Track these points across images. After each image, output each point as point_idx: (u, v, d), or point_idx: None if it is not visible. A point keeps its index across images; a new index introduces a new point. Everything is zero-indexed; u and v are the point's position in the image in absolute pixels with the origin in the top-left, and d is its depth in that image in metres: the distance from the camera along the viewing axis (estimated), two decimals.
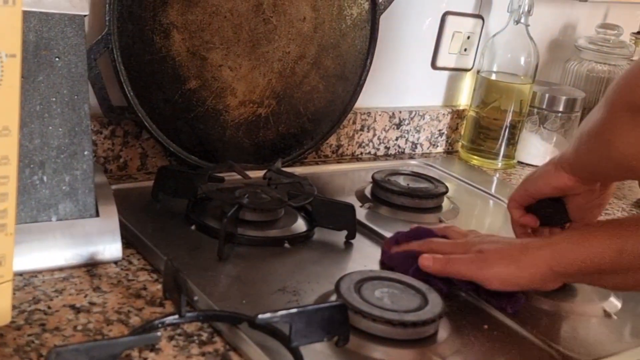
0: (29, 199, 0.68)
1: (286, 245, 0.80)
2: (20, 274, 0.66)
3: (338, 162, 1.14)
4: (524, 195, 0.79)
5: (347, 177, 1.09)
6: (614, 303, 0.79)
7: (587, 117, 0.71)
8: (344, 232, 0.84)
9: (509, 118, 1.22)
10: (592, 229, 0.70)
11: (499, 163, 1.24)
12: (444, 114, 1.27)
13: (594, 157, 0.70)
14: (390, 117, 1.20)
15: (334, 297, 0.67)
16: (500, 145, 1.23)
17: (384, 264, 0.80)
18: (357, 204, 0.95)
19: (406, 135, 1.23)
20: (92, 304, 0.63)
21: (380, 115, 1.18)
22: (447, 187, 1.02)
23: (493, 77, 1.22)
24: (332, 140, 1.14)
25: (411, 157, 1.23)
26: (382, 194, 0.98)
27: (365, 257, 0.82)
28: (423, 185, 1.02)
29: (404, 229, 0.91)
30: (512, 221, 0.81)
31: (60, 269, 0.68)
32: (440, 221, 0.96)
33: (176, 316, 0.60)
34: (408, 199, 0.97)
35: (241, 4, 0.92)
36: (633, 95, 0.62)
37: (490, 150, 1.24)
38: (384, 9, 1.06)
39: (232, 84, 0.95)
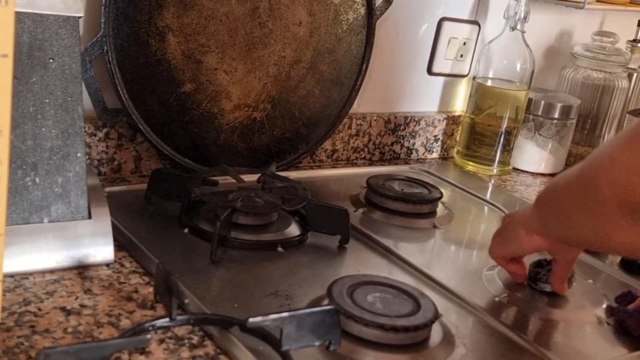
0: (21, 200, 0.67)
1: (279, 249, 0.80)
2: (11, 276, 0.65)
3: (333, 167, 1.14)
4: (502, 253, 0.79)
5: (341, 181, 1.09)
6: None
7: (558, 186, 0.67)
8: (338, 237, 0.84)
9: (504, 124, 1.22)
10: None
11: (494, 169, 1.24)
12: (439, 120, 1.27)
13: (581, 238, 0.67)
14: (385, 123, 1.20)
15: (326, 302, 0.67)
16: (496, 151, 1.23)
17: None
18: (351, 208, 0.95)
19: (401, 141, 1.23)
20: (82, 306, 0.63)
21: (375, 120, 1.18)
22: (441, 193, 1.02)
23: (489, 83, 1.22)
24: (327, 144, 1.13)
25: (406, 162, 1.23)
26: (376, 198, 0.98)
27: (359, 262, 0.82)
28: (418, 190, 1.02)
29: (398, 233, 0.92)
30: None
31: (52, 271, 0.68)
32: (435, 227, 0.96)
33: (167, 319, 0.59)
34: (402, 204, 0.97)
35: (237, 8, 0.92)
36: (629, 196, 0.56)
37: (486, 157, 1.24)
38: (380, 15, 1.06)
39: (227, 87, 0.95)
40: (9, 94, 0.52)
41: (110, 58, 0.86)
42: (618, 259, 0.93)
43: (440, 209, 1.01)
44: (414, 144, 1.25)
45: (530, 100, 1.25)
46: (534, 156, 1.28)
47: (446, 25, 1.22)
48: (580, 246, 0.76)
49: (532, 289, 0.80)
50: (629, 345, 0.74)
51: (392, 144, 1.22)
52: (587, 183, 0.61)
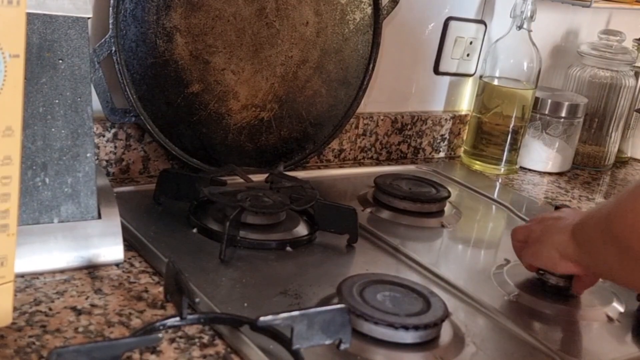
0: (31, 200, 0.68)
1: (288, 248, 0.80)
2: (21, 276, 0.66)
3: (340, 167, 1.14)
4: (532, 264, 0.79)
5: (349, 181, 1.09)
6: (617, 308, 0.79)
7: (592, 227, 0.67)
8: (346, 236, 0.84)
9: (511, 123, 1.22)
10: None
11: (502, 168, 1.24)
12: (446, 119, 1.27)
13: (621, 282, 0.70)
14: (392, 122, 1.20)
15: (336, 300, 0.67)
16: (503, 150, 1.23)
17: None
18: (359, 208, 0.95)
19: (408, 140, 1.23)
20: (93, 306, 0.63)
21: (382, 119, 1.18)
22: (449, 192, 1.02)
23: (495, 82, 1.22)
24: (335, 144, 1.14)
25: (413, 162, 1.23)
26: (384, 198, 0.98)
27: (368, 260, 0.82)
28: (425, 189, 1.02)
29: (406, 232, 0.92)
30: None
31: (62, 271, 0.68)
32: (443, 226, 0.96)
33: (177, 318, 0.59)
34: (410, 203, 0.97)
35: (244, 8, 0.93)
36: None
37: (493, 156, 1.24)
38: (387, 14, 1.06)
39: (235, 87, 0.95)
40: (21, 94, 0.52)
41: (118, 59, 0.86)
42: None
43: (448, 208, 1.01)
44: (420, 144, 1.25)
45: (537, 99, 1.25)
46: (541, 155, 1.28)
47: (452, 24, 1.22)
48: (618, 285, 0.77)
49: (541, 286, 0.79)
50: (638, 343, 0.74)
51: (399, 144, 1.22)
52: (618, 237, 0.61)
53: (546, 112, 1.26)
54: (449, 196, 1.01)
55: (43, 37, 0.67)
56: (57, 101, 0.69)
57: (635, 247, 0.58)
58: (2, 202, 0.54)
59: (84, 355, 0.50)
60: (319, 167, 1.12)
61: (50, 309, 0.62)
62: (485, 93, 1.23)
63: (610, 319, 0.77)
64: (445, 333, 0.67)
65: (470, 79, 1.30)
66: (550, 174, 1.29)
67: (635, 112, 1.40)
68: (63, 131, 0.69)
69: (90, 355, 0.51)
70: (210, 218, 0.83)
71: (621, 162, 1.45)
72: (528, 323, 0.73)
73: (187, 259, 0.74)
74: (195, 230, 0.81)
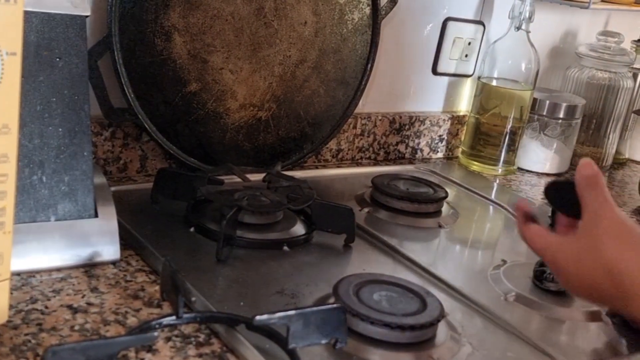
0: (28, 198, 0.68)
1: (285, 248, 0.80)
2: (18, 274, 0.66)
3: (338, 167, 1.14)
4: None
5: (346, 181, 1.09)
6: None
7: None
8: (343, 236, 0.84)
9: (509, 124, 1.22)
10: None
11: (499, 169, 1.24)
12: (444, 120, 1.27)
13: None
14: (390, 122, 1.20)
15: (332, 300, 0.67)
16: (501, 151, 1.23)
17: None
18: (356, 208, 0.95)
19: (406, 141, 1.23)
20: (89, 304, 0.63)
21: (380, 120, 1.18)
22: (446, 192, 1.02)
23: (494, 83, 1.22)
24: (332, 144, 1.14)
25: (411, 162, 1.23)
26: (381, 198, 0.98)
27: (364, 260, 0.82)
28: (423, 189, 1.02)
29: (404, 233, 0.92)
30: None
31: (58, 269, 0.68)
32: (440, 226, 0.96)
33: (173, 317, 0.59)
34: (408, 204, 0.97)
35: (242, 8, 0.93)
36: None
37: (491, 157, 1.24)
38: (385, 14, 1.06)
39: (233, 87, 0.95)
40: (18, 92, 0.53)
41: (116, 57, 0.86)
42: None
43: (445, 208, 1.01)
44: (418, 144, 1.25)
45: (535, 100, 1.25)
46: (539, 156, 1.28)
47: (451, 25, 1.22)
48: None
49: (538, 287, 0.80)
50: (633, 344, 0.74)
51: (396, 144, 1.22)
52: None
53: (544, 113, 1.26)
54: (446, 197, 1.01)
55: (41, 35, 0.67)
56: (54, 99, 0.69)
57: None
58: None
59: (79, 354, 0.51)
60: (316, 167, 1.12)
61: (46, 307, 0.62)
62: (484, 94, 1.23)
63: (605, 320, 0.77)
64: (442, 333, 0.67)
65: (469, 80, 1.30)
66: (548, 174, 1.29)
67: (633, 114, 1.41)
68: (60, 129, 0.69)
69: (86, 353, 0.51)
70: (208, 217, 0.83)
71: (619, 163, 1.45)
72: (524, 324, 0.74)
73: (183, 258, 0.74)
74: (192, 229, 0.81)
